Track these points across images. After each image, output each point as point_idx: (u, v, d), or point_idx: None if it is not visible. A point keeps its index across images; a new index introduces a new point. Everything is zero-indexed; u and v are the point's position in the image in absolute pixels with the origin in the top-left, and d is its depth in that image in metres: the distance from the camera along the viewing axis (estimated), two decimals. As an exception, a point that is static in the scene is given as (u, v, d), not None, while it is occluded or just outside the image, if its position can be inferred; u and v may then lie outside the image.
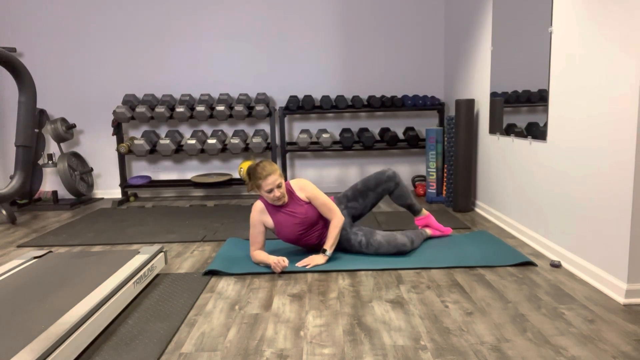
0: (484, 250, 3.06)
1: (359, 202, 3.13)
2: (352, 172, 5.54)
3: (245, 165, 5.07)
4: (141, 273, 2.48)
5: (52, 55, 5.35)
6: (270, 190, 2.79)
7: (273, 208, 2.92)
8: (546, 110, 2.98)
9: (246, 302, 2.41)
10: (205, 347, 1.97)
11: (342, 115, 5.49)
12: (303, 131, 5.16)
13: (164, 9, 5.28)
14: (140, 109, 5.01)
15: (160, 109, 5.01)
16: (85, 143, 5.51)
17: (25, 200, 5.02)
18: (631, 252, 2.24)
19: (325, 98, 5.08)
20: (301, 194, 2.93)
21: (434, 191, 4.77)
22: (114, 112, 5.02)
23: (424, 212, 3.35)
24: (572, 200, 2.72)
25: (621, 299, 2.28)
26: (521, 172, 3.37)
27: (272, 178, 2.77)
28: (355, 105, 5.12)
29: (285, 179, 5.11)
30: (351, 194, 3.15)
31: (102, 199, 5.52)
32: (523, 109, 3.31)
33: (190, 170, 5.55)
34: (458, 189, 4.24)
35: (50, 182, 5.58)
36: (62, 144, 5.43)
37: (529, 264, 2.83)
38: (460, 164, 4.21)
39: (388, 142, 5.09)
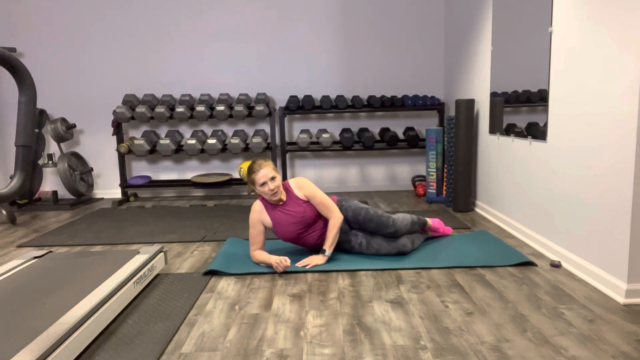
0: (484, 250, 3.06)
1: (357, 226, 3.03)
2: (352, 172, 5.54)
3: (245, 165, 5.07)
4: (141, 273, 2.48)
5: (52, 55, 5.35)
6: (264, 184, 2.79)
7: (271, 207, 2.92)
8: (546, 110, 2.98)
9: (246, 302, 2.41)
10: (205, 347, 1.97)
11: (342, 115, 5.49)
12: (303, 131, 5.16)
13: (164, 9, 5.28)
14: (140, 109, 5.01)
15: (160, 109, 5.01)
16: (85, 143, 5.51)
17: (25, 200, 5.02)
18: (631, 252, 2.24)
19: (325, 98, 5.08)
20: (299, 193, 2.93)
21: (434, 191, 4.77)
22: (114, 112, 5.02)
23: (429, 223, 3.28)
24: (572, 200, 2.72)
25: (621, 299, 2.28)
26: (521, 172, 3.37)
27: (265, 171, 2.78)
28: (355, 105, 5.12)
29: (285, 179, 5.11)
30: (352, 216, 2.99)
31: (102, 199, 5.52)
32: (523, 109, 3.31)
33: (190, 170, 5.56)
34: (458, 189, 4.24)
35: (50, 182, 5.58)
36: (62, 144, 5.43)
37: (529, 264, 2.83)
38: (460, 164, 4.21)
39: (388, 142, 5.09)
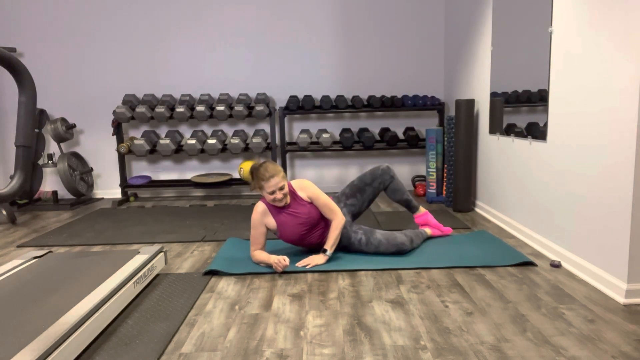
0: (484, 250, 3.06)
1: (357, 198, 3.17)
2: (352, 172, 5.54)
3: (245, 165, 5.07)
4: (141, 273, 2.48)
5: (52, 55, 5.35)
6: (273, 192, 2.79)
7: (275, 209, 2.92)
8: (546, 110, 2.98)
9: (246, 302, 2.41)
10: (205, 347, 1.97)
11: (342, 115, 5.49)
12: (303, 131, 5.16)
13: (164, 8, 5.28)
14: (140, 109, 5.01)
15: (160, 109, 5.01)
16: (85, 143, 5.51)
17: (25, 200, 5.02)
18: (631, 252, 2.24)
19: (325, 98, 5.08)
20: (302, 194, 2.93)
21: (434, 191, 4.77)
22: (114, 112, 5.02)
23: (422, 209, 3.39)
24: (572, 200, 2.72)
25: (621, 299, 2.28)
26: (521, 172, 3.37)
27: (275, 180, 2.77)
28: (355, 105, 5.12)
29: (285, 179, 5.11)
30: (349, 191, 3.19)
31: (102, 199, 5.52)
32: (523, 109, 3.31)
33: (190, 170, 5.56)
34: (458, 189, 4.24)
35: (50, 182, 5.58)
36: (62, 144, 5.43)
37: (529, 264, 2.83)
38: (460, 164, 4.21)
39: (388, 142, 5.09)
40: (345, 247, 3.08)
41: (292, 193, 2.94)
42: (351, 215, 3.16)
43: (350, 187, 3.20)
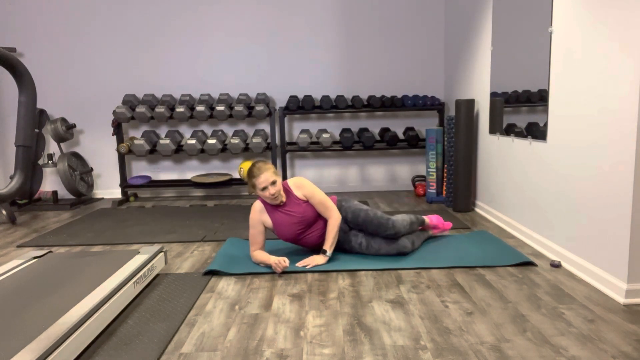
0: (484, 250, 3.06)
1: (357, 227, 3.02)
2: (352, 172, 5.54)
3: (245, 165, 5.07)
4: (141, 273, 2.48)
5: (52, 55, 5.35)
6: (264, 188, 2.79)
7: (272, 208, 2.92)
8: (546, 110, 2.98)
9: (246, 302, 2.41)
10: (205, 347, 1.97)
11: (342, 115, 5.49)
12: (303, 131, 5.16)
13: (164, 8, 5.28)
14: (140, 109, 5.01)
15: (160, 109, 5.01)
16: (85, 143, 5.51)
17: (25, 200, 5.02)
18: (631, 252, 2.24)
19: (325, 98, 5.08)
20: (299, 192, 2.93)
21: (434, 191, 4.77)
22: (114, 112, 5.02)
23: (426, 221, 3.27)
24: (572, 200, 2.72)
25: (621, 299, 2.28)
26: (521, 172, 3.37)
27: (265, 176, 2.77)
28: (355, 105, 5.12)
29: (285, 179, 5.11)
30: (351, 217, 2.98)
31: (102, 199, 5.52)
32: (523, 109, 3.31)
33: (190, 170, 5.56)
34: (458, 189, 4.24)
35: (50, 182, 5.58)
36: (62, 144, 5.43)
37: (529, 264, 2.83)
38: (460, 164, 4.21)
39: (388, 142, 5.09)
40: (345, 250, 3.06)
41: (288, 192, 2.93)
42: (348, 226, 3.05)
43: (353, 216, 2.96)
